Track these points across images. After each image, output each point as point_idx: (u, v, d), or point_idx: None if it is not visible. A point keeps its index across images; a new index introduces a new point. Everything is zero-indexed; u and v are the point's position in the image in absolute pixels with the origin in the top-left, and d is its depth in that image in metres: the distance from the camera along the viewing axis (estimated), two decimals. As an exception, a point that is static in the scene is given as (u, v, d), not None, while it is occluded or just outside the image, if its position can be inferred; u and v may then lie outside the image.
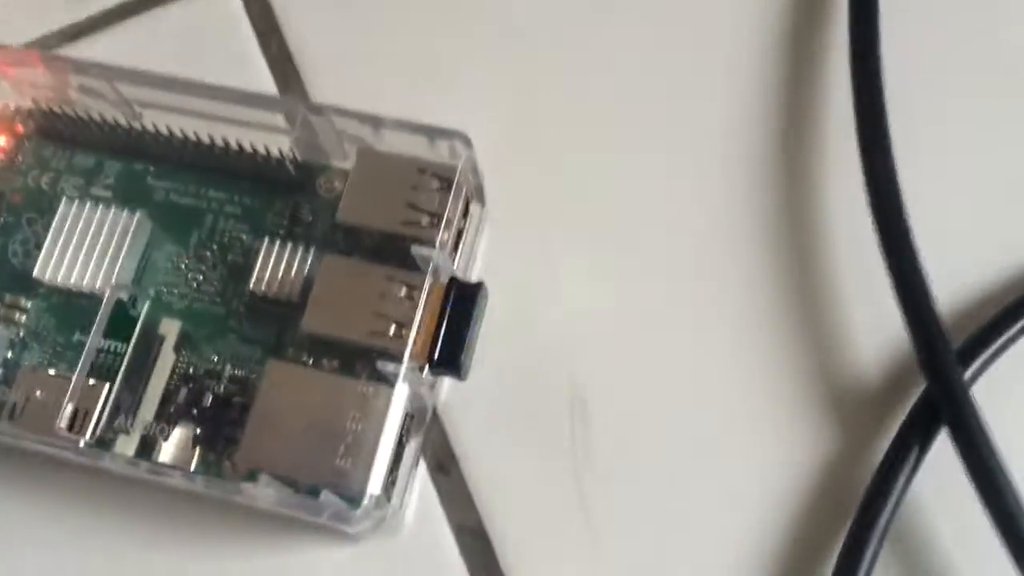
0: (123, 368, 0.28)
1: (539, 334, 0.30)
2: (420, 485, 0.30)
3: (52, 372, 0.29)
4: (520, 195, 0.32)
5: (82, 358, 0.27)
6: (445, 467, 0.30)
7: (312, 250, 0.29)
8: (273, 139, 0.31)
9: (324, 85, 0.34)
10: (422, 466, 0.30)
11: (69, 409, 0.27)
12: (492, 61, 0.34)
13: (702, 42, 0.33)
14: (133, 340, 0.28)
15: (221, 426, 0.28)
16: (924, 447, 0.27)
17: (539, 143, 0.32)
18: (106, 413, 0.28)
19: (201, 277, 0.30)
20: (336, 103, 0.29)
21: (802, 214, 0.31)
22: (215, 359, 0.29)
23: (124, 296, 0.29)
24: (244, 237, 0.31)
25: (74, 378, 0.27)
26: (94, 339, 0.28)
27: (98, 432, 0.27)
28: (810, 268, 0.30)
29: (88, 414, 0.28)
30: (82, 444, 0.27)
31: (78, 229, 0.30)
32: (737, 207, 0.31)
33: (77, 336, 0.30)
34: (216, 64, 0.35)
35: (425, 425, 0.29)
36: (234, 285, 0.30)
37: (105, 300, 0.28)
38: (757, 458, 0.29)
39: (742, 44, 0.33)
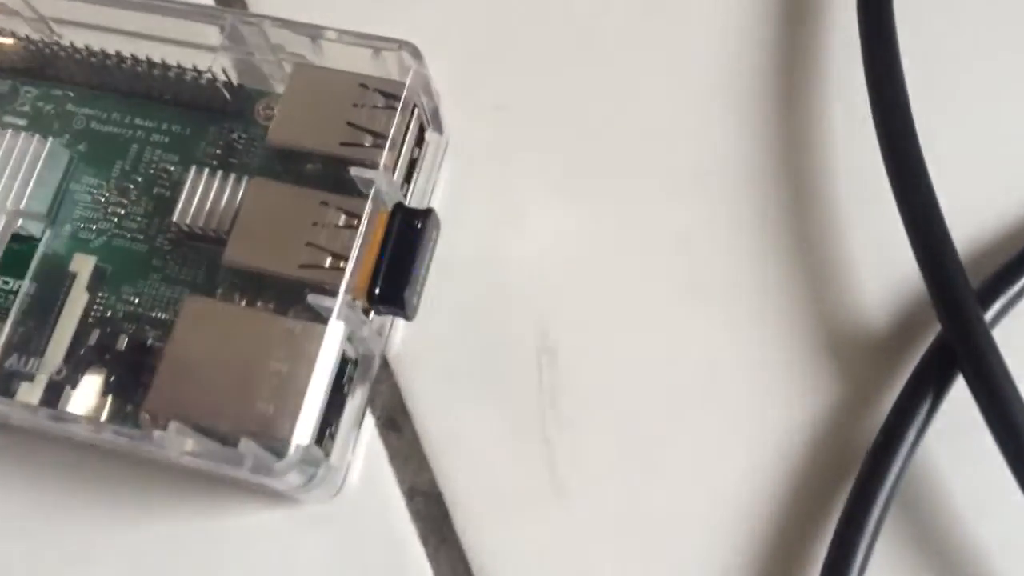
0: (16, 303, 0.24)
1: (503, 276, 0.27)
2: (367, 443, 0.26)
3: (-52, 313, 0.26)
4: (483, 121, 0.29)
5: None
6: (396, 423, 0.26)
7: (245, 179, 0.26)
8: (207, 59, 0.27)
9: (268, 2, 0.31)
10: (369, 422, 0.26)
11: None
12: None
13: None
14: (29, 272, 0.25)
15: (138, 373, 0.25)
16: (938, 396, 0.23)
17: (505, 61, 0.29)
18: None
19: (123, 211, 0.27)
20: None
21: (800, 141, 0.28)
22: (135, 300, 0.26)
23: (35, 229, 0.26)
24: (172, 168, 0.27)
25: (-36, 317, 0.24)
26: (-15, 270, 0.24)
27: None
28: (809, 201, 0.27)
29: (-13, 360, 0.25)
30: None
31: (-16, 158, 0.27)
32: (729, 133, 0.28)
33: (-16, 276, 0.27)
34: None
35: (372, 375, 0.26)
36: (159, 220, 0.27)
37: (2, 224, 0.25)
38: (747, 410, 0.25)
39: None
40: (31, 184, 0.26)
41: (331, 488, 0.25)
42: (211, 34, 0.27)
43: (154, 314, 0.26)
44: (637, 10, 0.29)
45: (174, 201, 0.26)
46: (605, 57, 0.29)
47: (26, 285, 0.25)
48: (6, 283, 0.26)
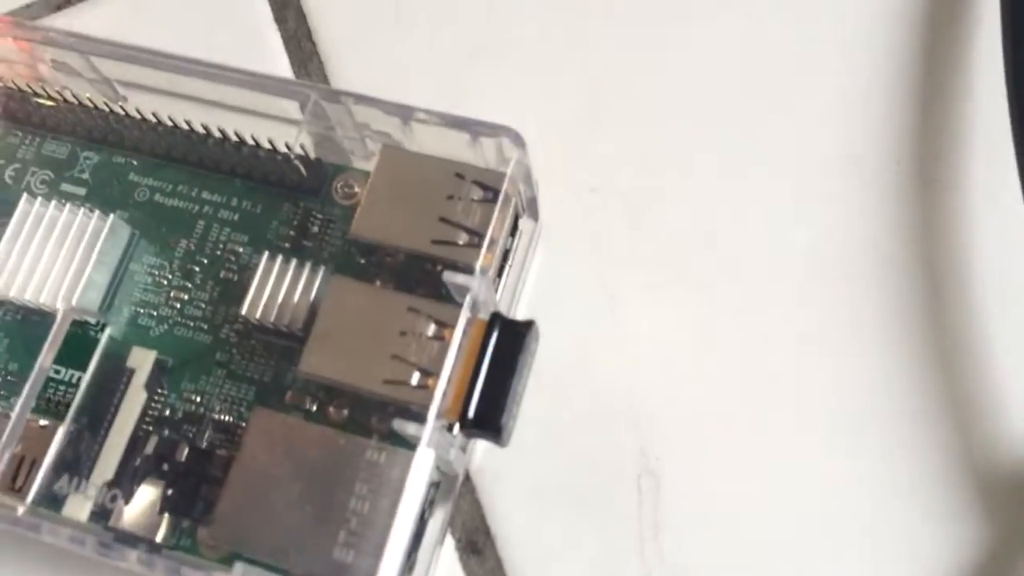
0: (76, 402, 0.22)
1: (600, 383, 0.24)
2: (446, 568, 0.24)
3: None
4: (579, 210, 0.26)
5: (25, 388, 0.22)
6: (478, 547, 0.24)
7: (322, 270, 0.23)
8: (282, 132, 0.25)
9: (347, 68, 0.29)
10: (449, 544, 0.24)
11: (7, 456, 0.21)
12: (548, 47, 0.28)
13: (804, 37, 0.27)
14: (91, 369, 0.22)
15: (199, 486, 0.23)
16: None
17: (599, 139, 0.26)
18: (53, 463, 0.22)
19: (186, 297, 0.25)
20: (358, 90, 0.24)
21: (938, 242, 0.25)
22: (196, 399, 0.24)
23: (87, 316, 0.24)
24: (241, 250, 0.25)
25: (14, 414, 0.21)
26: (43, 364, 0.22)
27: (43, 489, 0.22)
28: (953, 305, 0.24)
29: (36, 465, 0.22)
30: (21, 511, 0.22)
31: (39, 232, 0.24)
32: (851, 221, 0.25)
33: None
34: (222, 42, 0.29)
35: (454, 494, 0.23)
36: (226, 309, 0.24)
37: (58, 319, 0.22)
38: (878, 556, 0.22)
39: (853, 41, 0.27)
40: (89, 266, 0.24)
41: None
42: (289, 107, 0.25)
43: (217, 416, 0.24)
44: (742, 91, 0.27)
45: (242, 288, 0.24)
46: (711, 137, 0.26)
47: (85, 383, 0.22)
48: (56, 372, 0.23)
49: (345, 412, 0.23)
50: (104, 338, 0.23)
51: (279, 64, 0.29)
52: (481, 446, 0.24)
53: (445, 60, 0.28)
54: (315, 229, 0.25)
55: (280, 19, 0.29)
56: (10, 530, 0.21)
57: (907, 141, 0.26)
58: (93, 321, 0.24)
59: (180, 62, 0.24)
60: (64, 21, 0.30)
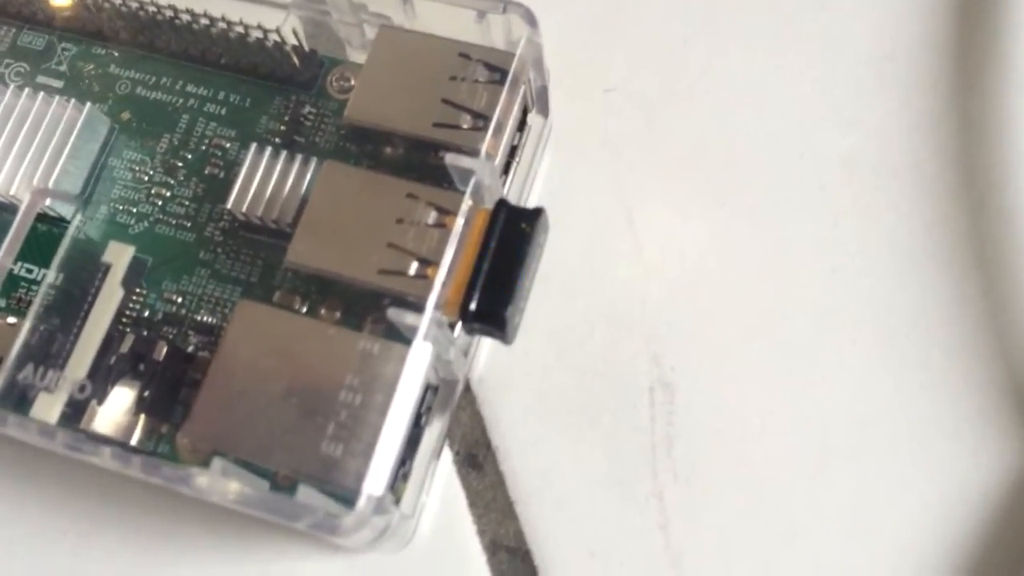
0: (39, 296, 0.20)
1: (612, 290, 0.23)
2: (443, 483, 0.22)
3: (-41, 305, 0.22)
4: (593, 111, 0.24)
5: (-16, 287, 0.20)
6: (477, 460, 0.22)
7: (313, 162, 0.22)
8: (273, 18, 0.23)
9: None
10: (446, 457, 0.22)
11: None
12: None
13: None
14: (56, 261, 0.21)
15: (176, 388, 0.21)
16: None
17: (618, 36, 0.25)
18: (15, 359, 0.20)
19: (168, 194, 0.23)
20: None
21: (983, 144, 0.23)
22: (178, 300, 0.22)
23: (64, 211, 0.22)
24: (228, 145, 0.23)
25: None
26: (4, 258, 0.20)
27: (4, 385, 0.20)
28: (992, 216, 0.22)
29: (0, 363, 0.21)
30: (-17, 403, 0.20)
31: (9, 122, 0.23)
32: (891, 127, 0.23)
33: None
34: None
35: (453, 403, 0.22)
36: (211, 206, 0.23)
37: (23, 207, 0.21)
38: (908, 471, 0.21)
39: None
40: (63, 156, 0.22)
41: (400, 539, 0.21)
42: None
43: (200, 317, 0.22)
44: None
45: (229, 184, 0.22)
46: (736, 37, 0.25)
47: (52, 275, 0.21)
48: (29, 271, 0.22)
49: (337, 314, 0.21)
50: (74, 223, 0.22)
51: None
52: (484, 354, 0.23)
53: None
54: (308, 124, 0.23)
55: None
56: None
57: (946, 45, 0.24)
58: (65, 214, 0.22)
59: (165, -63, 0.22)
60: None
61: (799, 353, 0.22)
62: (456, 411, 0.22)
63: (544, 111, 0.23)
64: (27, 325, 0.20)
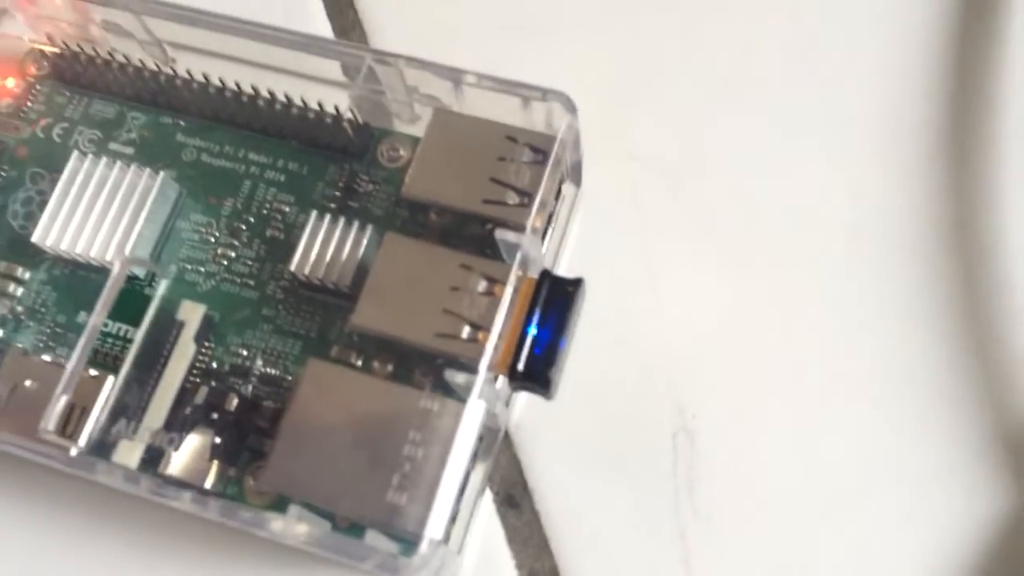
0: (131, 356, 0.22)
1: (638, 344, 0.25)
2: (484, 521, 0.24)
3: (47, 358, 0.24)
4: (620, 178, 0.26)
5: (81, 341, 0.22)
6: (516, 501, 0.24)
7: (369, 229, 0.24)
8: (328, 95, 0.25)
9: (388, 33, 0.29)
10: (487, 498, 0.24)
11: (61, 404, 0.22)
12: (594, 12, 0.28)
13: (846, 10, 0.28)
14: (145, 323, 0.23)
15: (246, 436, 0.23)
16: None
17: (642, 107, 0.27)
18: (106, 412, 0.22)
19: (233, 254, 0.25)
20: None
21: (976, 214, 0.25)
22: (243, 353, 0.24)
23: (139, 271, 0.24)
24: (287, 209, 0.25)
25: (69, 366, 0.22)
26: (97, 318, 0.22)
27: (94, 436, 0.22)
28: (985, 281, 0.25)
29: (85, 412, 0.23)
30: (74, 452, 0.22)
31: (89, 189, 0.25)
32: (893, 195, 0.26)
33: (83, 317, 0.25)
34: (263, 9, 0.29)
35: (495, 449, 0.24)
36: (272, 266, 0.25)
37: (114, 273, 0.23)
38: (911, 516, 0.23)
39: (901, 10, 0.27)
40: (140, 221, 0.25)
41: (447, 574, 0.23)
42: (334, 70, 0.25)
43: (264, 369, 0.24)
44: (784, 64, 0.27)
45: (289, 246, 0.25)
46: (754, 109, 0.27)
47: (141, 335, 0.23)
48: (104, 324, 0.24)
49: (389, 367, 0.23)
50: (161, 290, 0.24)
51: (319, 28, 0.29)
52: (519, 403, 0.25)
53: (485, 26, 0.28)
54: (360, 190, 0.25)
55: (322, -11, 0.30)
56: (66, 471, 0.22)
57: (946, 117, 0.26)
58: (143, 275, 0.25)
59: (235, 23, 0.25)
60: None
61: (810, 404, 0.24)
62: (496, 456, 0.24)
63: (577, 181, 0.25)
64: (120, 380, 0.22)
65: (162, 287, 0.24)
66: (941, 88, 0.27)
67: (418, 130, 0.25)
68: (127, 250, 0.24)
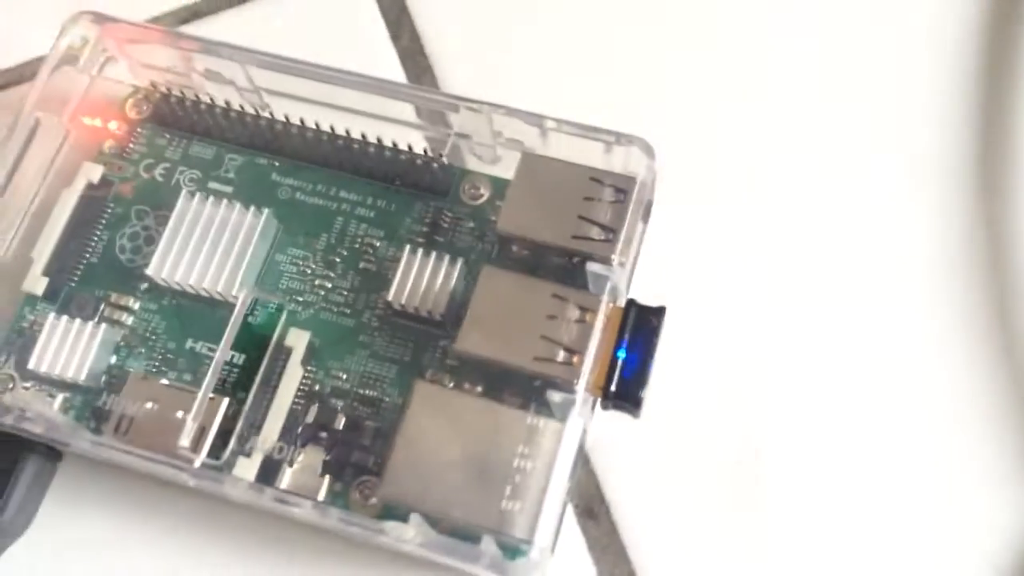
0: (257, 382, 0.24)
1: (710, 371, 0.27)
2: (568, 530, 0.26)
3: (165, 382, 0.26)
4: (686, 216, 0.29)
5: (210, 371, 0.25)
6: (594, 513, 0.27)
7: (460, 262, 0.26)
8: (408, 136, 0.28)
9: (457, 82, 0.31)
10: (569, 510, 0.26)
11: (192, 426, 0.24)
12: (654, 59, 0.31)
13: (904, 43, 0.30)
14: (269, 351, 0.25)
15: (351, 453, 0.25)
16: None
17: (709, 154, 0.29)
18: (234, 433, 0.24)
19: (329, 285, 0.27)
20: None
21: (1013, 229, 0.28)
22: (343, 376, 0.26)
23: (271, 300, 0.27)
24: (378, 244, 0.28)
25: (201, 391, 0.24)
26: (224, 349, 0.25)
27: (225, 454, 0.24)
28: (1016, 297, 0.27)
29: (205, 431, 0.25)
30: (198, 464, 0.24)
31: (199, 226, 0.27)
32: (946, 227, 0.28)
33: (189, 343, 0.27)
34: (340, 58, 0.32)
35: (578, 464, 0.26)
36: (366, 296, 0.27)
37: (239, 306, 0.25)
38: (969, 534, 0.25)
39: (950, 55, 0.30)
40: (247, 256, 0.27)
41: (538, 576, 0.25)
42: (407, 111, 0.27)
43: (362, 391, 0.26)
44: (859, 103, 0.30)
45: (381, 277, 0.27)
46: (811, 142, 0.29)
47: (265, 363, 0.25)
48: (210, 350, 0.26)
49: (479, 388, 0.25)
50: (282, 320, 0.26)
51: (396, 78, 0.31)
52: (595, 420, 0.27)
53: (548, 72, 0.31)
54: (445, 226, 0.28)
55: (395, 36, 0.32)
56: (192, 484, 0.24)
57: (971, 146, 0.29)
58: (248, 305, 0.27)
59: (332, 72, 0.27)
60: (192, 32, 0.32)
61: (865, 422, 0.26)
62: (576, 470, 0.27)
63: (646, 219, 0.27)
64: (249, 402, 0.24)
65: (284, 318, 0.26)
66: (980, 110, 0.29)
67: (498, 170, 0.28)
68: (237, 282, 0.26)
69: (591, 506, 0.27)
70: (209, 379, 0.24)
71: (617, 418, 0.26)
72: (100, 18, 0.28)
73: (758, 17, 0.31)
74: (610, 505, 0.26)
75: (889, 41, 0.30)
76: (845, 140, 0.29)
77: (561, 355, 0.23)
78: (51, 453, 0.27)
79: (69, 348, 0.26)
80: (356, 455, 0.25)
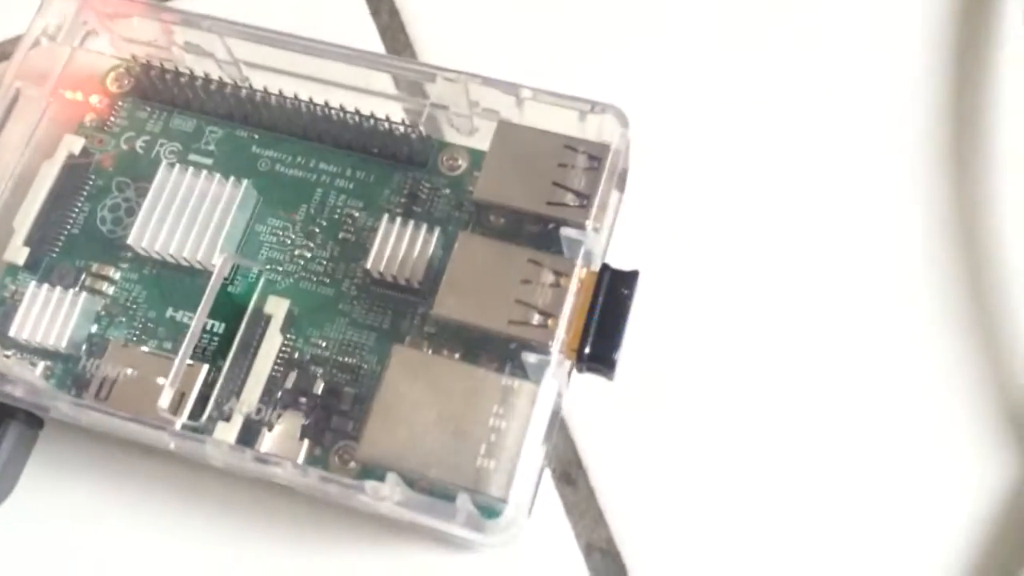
0: (233, 349, 0.25)
1: (683, 336, 0.28)
2: (545, 495, 0.27)
3: (145, 349, 0.26)
4: (662, 184, 0.29)
5: (188, 337, 0.25)
6: (571, 477, 0.27)
7: (437, 231, 0.26)
8: (387, 108, 0.28)
9: (435, 56, 0.32)
10: (547, 476, 0.27)
11: (171, 390, 0.24)
12: (630, 33, 0.31)
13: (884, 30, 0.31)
14: (246, 319, 0.25)
15: (329, 417, 0.26)
16: None
17: (685, 127, 0.30)
18: (211, 396, 0.25)
19: (308, 254, 0.28)
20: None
21: (985, 206, 0.28)
22: (322, 344, 0.27)
23: (249, 265, 0.27)
24: (356, 214, 0.28)
25: (179, 356, 0.24)
26: (201, 316, 0.25)
27: (204, 416, 0.25)
28: (990, 271, 0.28)
29: (185, 396, 0.25)
30: (178, 425, 0.25)
31: (179, 196, 0.27)
32: (910, 196, 0.29)
33: (169, 312, 0.27)
34: (319, 34, 0.32)
35: (554, 430, 0.26)
36: (345, 265, 0.27)
37: (216, 273, 0.25)
38: (930, 482, 0.26)
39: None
40: (226, 226, 0.27)
41: (512, 539, 0.26)
42: (386, 83, 0.28)
43: (342, 358, 0.26)
44: (840, 83, 0.30)
45: (361, 247, 0.27)
46: (785, 121, 0.30)
47: (242, 329, 0.25)
48: (208, 325, 0.26)
49: (457, 355, 0.26)
50: (258, 287, 0.26)
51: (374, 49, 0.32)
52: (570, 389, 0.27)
53: (525, 43, 0.31)
54: (423, 196, 0.28)
55: (375, 12, 0.32)
56: (173, 447, 0.24)
57: (944, 128, 0.29)
58: (228, 273, 0.27)
59: (313, 43, 0.27)
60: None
61: (840, 391, 0.27)
62: (551, 435, 0.27)
63: (621, 188, 0.28)
64: (226, 368, 0.25)
65: (260, 285, 0.26)
66: (947, 98, 0.30)
67: (475, 141, 0.28)
68: (217, 251, 0.26)
69: (568, 471, 0.27)
70: (187, 344, 0.24)
71: (594, 384, 0.27)
72: (80, -10, 0.28)
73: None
74: (587, 470, 0.27)
75: (868, 18, 0.31)
76: (823, 111, 0.30)
77: (536, 318, 0.24)
78: (32, 420, 0.27)
79: (50, 316, 0.26)
80: (335, 420, 0.26)
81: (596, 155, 0.25)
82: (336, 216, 0.28)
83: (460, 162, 0.28)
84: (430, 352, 0.26)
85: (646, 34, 0.31)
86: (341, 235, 0.28)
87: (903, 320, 0.28)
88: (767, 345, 0.28)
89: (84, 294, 0.27)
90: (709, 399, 0.27)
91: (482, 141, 0.28)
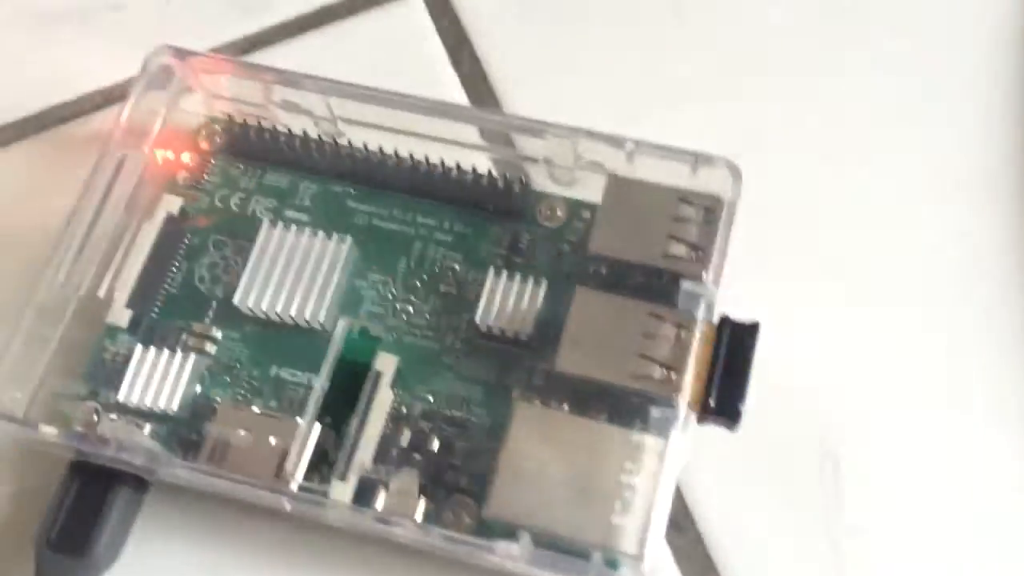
0: (360, 407, 0.25)
1: (783, 381, 0.28)
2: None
3: (256, 410, 0.26)
4: (759, 228, 0.29)
5: (312, 397, 0.25)
6: (680, 524, 0.27)
7: (544, 283, 0.27)
8: (475, 159, 0.28)
9: (520, 105, 0.32)
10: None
11: (291, 451, 0.24)
12: (719, 81, 0.31)
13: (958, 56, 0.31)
14: (371, 377, 0.25)
15: (443, 472, 0.26)
16: None
17: (778, 172, 0.30)
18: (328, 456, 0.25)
19: (411, 309, 0.28)
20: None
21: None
22: (430, 399, 0.27)
23: (369, 328, 0.27)
24: (457, 267, 0.28)
25: (304, 422, 0.25)
26: (323, 377, 0.25)
27: (318, 475, 0.25)
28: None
29: (300, 456, 0.25)
30: (295, 487, 0.24)
31: (282, 255, 0.27)
32: (997, 233, 0.29)
33: (273, 369, 0.27)
34: (400, 85, 0.32)
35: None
36: (448, 318, 0.27)
37: (337, 335, 0.25)
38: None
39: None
40: (333, 284, 0.27)
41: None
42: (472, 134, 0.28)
43: (449, 412, 0.26)
44: (920, 113, 0.30)
45: (463, 299, 0.27)
46: (862, 157, 0.30)
47: (366, 396, 0.26)
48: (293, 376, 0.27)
49: (565, 407, 0.26)
50: (376, 348, 0.26)
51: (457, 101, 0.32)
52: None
53: (613, 94, 0.31)
54: (524, 247, 0.28)
55: (456, 61, 0.32)
56: (294, 506, 0.24)
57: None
58: (351, 331, 0.27)
59: (411, 100, 0.27)
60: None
61: (944, 423, 0.27)
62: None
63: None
64: (352, 429, 0.25)
65: (377, 345, 0.26)
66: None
67: (574, 192, 0.28)
68: (324, 309, 0.27)
69: (675, 517, 0.27)
70: (312, 407, 0.25)
71: (698, 429, 0.27)
72: (180, 52, 0.28)
73: (831, 43, 0.31)
74: (695, 517, 0.27)
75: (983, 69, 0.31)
76: (916, 159, 0.30)
77: (658, 372, 0.24)
78: (139, 483, 0.27)
79: (159, 378, 0.26)
80: (449, 475, 0.26)
81: (710, 207, 0.25)
82: (437, 270, 0.28)
83: (559, 213, 0.28)
84: (538, 404, 0.26)
85: (731, 79, 0.31)
86: (443, 288, 0.28)
87: (1006, 357, 0.28)
88: (867, 384, 0.28)
89: (193, 355, 0.27)
90: (812, 441, 0.27)
91: (580, 191, 0.28)
